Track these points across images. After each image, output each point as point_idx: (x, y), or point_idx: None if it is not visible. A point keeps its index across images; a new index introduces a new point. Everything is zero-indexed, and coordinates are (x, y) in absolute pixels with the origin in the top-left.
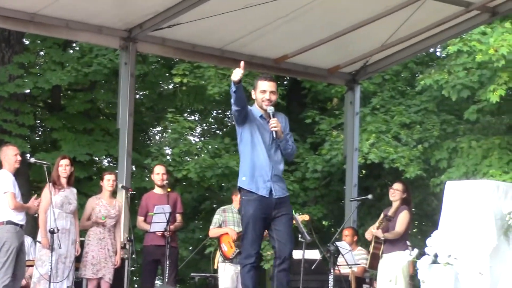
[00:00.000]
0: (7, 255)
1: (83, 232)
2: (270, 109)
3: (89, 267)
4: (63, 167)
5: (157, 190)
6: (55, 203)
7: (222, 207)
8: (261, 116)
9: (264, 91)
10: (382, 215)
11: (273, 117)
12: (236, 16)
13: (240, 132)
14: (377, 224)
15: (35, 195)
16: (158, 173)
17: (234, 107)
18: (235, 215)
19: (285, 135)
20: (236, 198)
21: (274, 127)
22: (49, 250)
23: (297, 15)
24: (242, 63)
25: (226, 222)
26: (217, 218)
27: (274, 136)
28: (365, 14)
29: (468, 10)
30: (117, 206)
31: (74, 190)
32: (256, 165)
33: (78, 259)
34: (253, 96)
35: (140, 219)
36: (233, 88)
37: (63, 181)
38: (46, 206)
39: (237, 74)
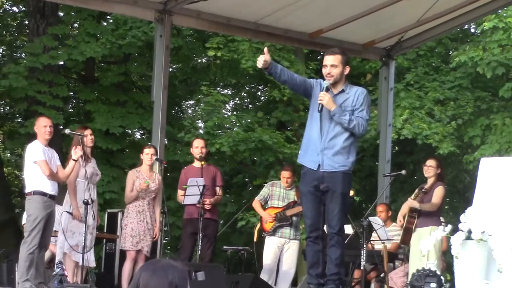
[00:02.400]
0: (34, 225)
1: (122, 205)
2: (326, 83)
3: (129, 239)
4: (89, 137)
5: (197, 164)
6: (86, 174)
7: (272, 182)
8: (327, 89)
9: (325, 65)
10: (417, 189)
11: (327, 90)
12: None
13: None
14: (412, 196)
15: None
16: (197, 147)
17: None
18: (282, 190)
19: (343, 110)
20: (285, 176)
21: (320, 100)
22: (80, 222)
23: None
24: (265, 49)
25: (272, 196)
26: (264, 191)
27: (319, 109)
28: None
29: None
30: (156, 180)
31: (94, 161)
32: (311, 137)
33: (109, 231)
34: None
35: (180, 192)
36: (266, 72)
37: (89, 151)
38: (75, 177)
39: (260, 61)
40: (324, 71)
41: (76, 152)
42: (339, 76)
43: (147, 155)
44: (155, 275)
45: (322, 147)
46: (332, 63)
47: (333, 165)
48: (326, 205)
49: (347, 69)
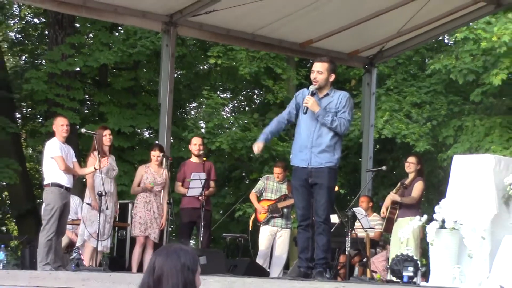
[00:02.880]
0: (51, 214)
1: (132, 196)
2: (312, 87)
3: (137, 226)
4: (107, 137)
5: (194, 159)
6: (102, 169)
7: (267, 175)
8: (313, 93)
9: (313, 71)
10: (399, 184)
11: (313, 94)
12: (266, 4)
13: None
14: (394, 190)
15: (106, 157)
16: (195, 144)
17: None
18: (275, 184)
19: (327, 112)
20: (277, 172)
21: (306, 103)
22: (98, 212)
23: (321, 4)
24: (256, 149)
25: (266, 189)
26: (260, 184)
27: (304, 111)
28: (382, 4)
29: (475, 2)
30: (164, 175)
31: (114, 157)
32: (300, 139)
33: (120, 220)
34: None
35: (178, 184)
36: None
37: (107, 149)
38: (94, 174)
39: (255, 151)
40: (312, 76)
41: (102, 162)
42: (324, 82)
43: (153, 156)
44: (168, 258)
45: (310, 146)
46: (318, 69)
47: (320, 162)
48: (314, 197)
49: (333, 76)
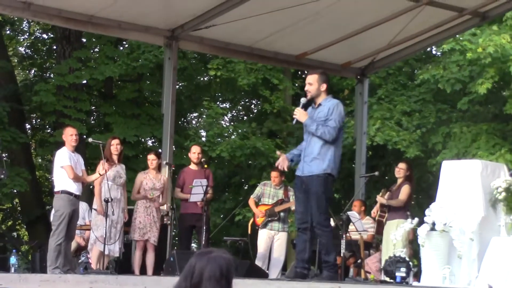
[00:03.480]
0: (61, 220)
1: (132, 202)
2: (303, 100)
3: (137, 231)
4: (115, 146)
5: (193, 166)
6: (108, 176)
7: (264, 181)
8: (309, 103)
9: (305, 83)
10: (383, 190)
11: (302, 107)
12: (263, 18)
13: None
14: (380, 193)
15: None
16: (195, 152)
17: None
18: (272, 190)
19: (313, 120)
20: (274, 176)
21: (294, 115)
22: (104, 217)
23: (316, 18)
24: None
25: (264, 194)
26: (258, 190)
27: (293, 122)
28: (373, 18)
29: (461, 15)
30: (162, 180)
31: (123, 166)
32: (303, 149)
33: (126, 224)
34: None
35: (177, 190)
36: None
37: (115, 158)
38: (101, 179)
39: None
40: (305, 88)
41: (103, 168)
42: (316, 92)
43: (149, 160)
44: (209, 264)
45: (303, 155)
46: (309, 81)
47: (310, 170)
48: (309, 204)
49: (324, 86)
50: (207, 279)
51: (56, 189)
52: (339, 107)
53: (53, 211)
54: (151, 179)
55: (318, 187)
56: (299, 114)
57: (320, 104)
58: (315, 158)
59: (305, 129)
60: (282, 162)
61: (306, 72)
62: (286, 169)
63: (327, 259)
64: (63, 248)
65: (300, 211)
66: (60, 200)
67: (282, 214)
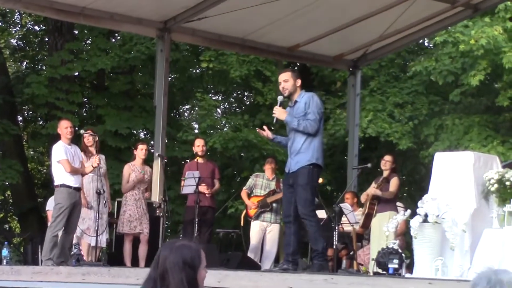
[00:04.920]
0: (59, 212)
1: (120, 194)
2: (280, 98)
3: (126, 224)
4: (86, 138)
5: (198, 159)
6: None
7: (256, 173)
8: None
9: (280, 82)
10: (380, 179)
11: (280, 105)
12: (255, 10)
13: None
14: (376, 185)
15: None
16: (199, 145)
17: None
18: (264, 181)
19: (293, 116)
20: (267, 167)
21: (274, 114)
22: (88, 209)
23: (308, 10)
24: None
25: (256, 186)
26: (250, 181)
27: (274, 121)
28: (365, 10)
29: (454, 7)
30: (148, 172)
31: (103, 156)
32: (288, 147)
33: (111, 215)
34: None
35: (182, 183)
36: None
37: (92, 150)
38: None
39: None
40: (280, 87)
41: (95, 161)
42: (292, 88)
43: (141, 150)
44: (172, 254)
45: (289, 152)
46: (284, 78)
47: (295, 165)
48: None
49: (299, 82)
50: (171, 268)
51: (55, 183)
52: (315, 98)
53: (51, 203)
54: (138, 170)
55: (304, 178)
56: (278, 112)
57: (296, 101)
58: (300, 152)
59: (288, 127)
60: (266, 132)
61: (298, 64)
62: (270, 137)
63: (315, 248)
64: (62, 241)
65: (285, 206)
66: (60, 193)
67: (274, 205)
